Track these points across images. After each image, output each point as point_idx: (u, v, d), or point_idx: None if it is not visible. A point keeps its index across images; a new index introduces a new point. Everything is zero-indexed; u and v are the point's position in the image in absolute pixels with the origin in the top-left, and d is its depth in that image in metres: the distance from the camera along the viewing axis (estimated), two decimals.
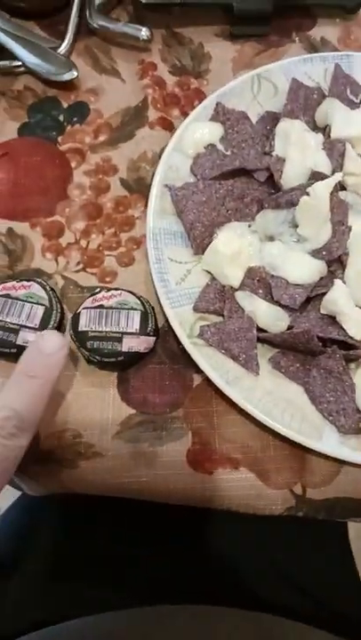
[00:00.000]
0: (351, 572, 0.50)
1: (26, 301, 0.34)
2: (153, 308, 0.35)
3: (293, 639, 0.37)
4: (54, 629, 0.36)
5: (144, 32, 0.44)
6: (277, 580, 0.44)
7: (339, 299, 0.32)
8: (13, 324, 0.33)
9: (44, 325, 0.33)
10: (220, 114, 0.39)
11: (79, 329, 0.33)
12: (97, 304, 0.34)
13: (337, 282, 0.33)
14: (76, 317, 0.34)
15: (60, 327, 0.35)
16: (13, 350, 0.33)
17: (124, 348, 0.33)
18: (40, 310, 0.34)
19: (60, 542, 0.45)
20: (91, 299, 0.34)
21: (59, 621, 0.37)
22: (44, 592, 0.42)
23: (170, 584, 0.41)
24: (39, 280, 0.35)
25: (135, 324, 0.34)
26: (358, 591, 0.48)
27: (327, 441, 0.31)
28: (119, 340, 0.33)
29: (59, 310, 0.35)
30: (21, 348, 0.32)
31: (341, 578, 0.48)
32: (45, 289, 0.35)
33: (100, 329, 0.33)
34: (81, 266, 0.38)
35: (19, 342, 0.33)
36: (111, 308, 0.34)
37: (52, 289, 0.35)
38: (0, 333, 0.33)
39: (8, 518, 0.50)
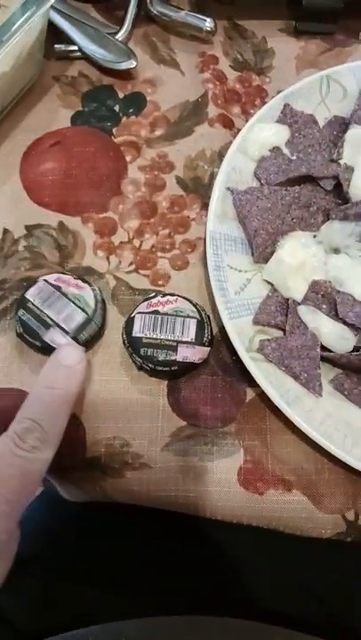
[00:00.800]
0: None
1: (71, 301, 0.33)
2: (209, 316, 0.34)
3: None
4: (78, 633, 0.36)
5: (208, 23, 0.42)
6: (295, 592, 0.43)
7: None
8: (50, 318, 0.32)
9: (76, 333, 0.32)
10: (288, 116, 0.37)
11: (133, 334, 0.32)
12: (152, 309, 0.33)
13: None
14: (130, 322, 0.32)
15: (92, 340, 0.33)
16: (37, 343, 0.32)
17: (179, 358, 0.32)
18: (80, 317, 0.32)
19: (81, 544, 0.44)
20: (145, 303, 0.33)
21: (75, 625, 0.36)
22: (60, 592, 0.41)
23: (192, 594, 0.40)
24: (94, 287, 0.34)
25: (191, 333, 0.32)
26: None
27: None
28: (174, 349, 0.32)
29: (98, 324, 0.33)
30: (45, 345, 0.32)
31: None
32: (96, 298, 0.33)
33: (155, 336, 0.32)
34: (133, 267, 0.36)
35: (45, 338, 0.32)
36: (167, 314, 0.32)
37: (102, 300, 0.34)
38: (33, 322, 0.32)
39: (32, 515, 0.49)
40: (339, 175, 0.36)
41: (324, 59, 0.44)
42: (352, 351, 0.32)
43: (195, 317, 0.33)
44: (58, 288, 0.33)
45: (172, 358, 0.32)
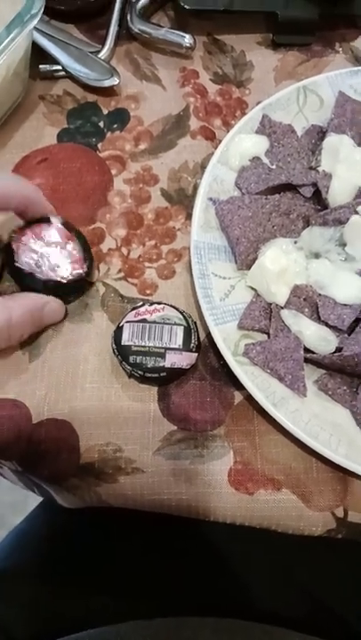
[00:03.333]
0: None
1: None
2: (195, 323, 0.35)
3: None
4: (76, 638, 0.36)
5: (187, 39, 0.43)
6: (296, 594, 0.43)
7: None
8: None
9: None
10: (267, 126, 0.39)
11: (122, 343, 0.33)
12: (140, 318, 0.34)
13: None
14: (118, 331, 0.33)
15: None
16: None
17: (168, 364, 0.33)
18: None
19: (77, 551, 0.45)
20: (133, 312, 0.34)
21: (72, 629, 0.36)
22: (60, 598, 0.42)
23: (188, 596, 0.40)
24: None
25: (178, 340, 0.33)
26: None
27: None
28: (162, 356, 0.33)
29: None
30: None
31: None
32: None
33: (143, 344, 0.33)
34: (122, 274, 0.37)
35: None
36: (154, 322, 0.33)
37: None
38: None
39: (34, 523, 0.49)
40: (317, 182, 0.37)
41: (303, 69, 0.45)
42: (334, 352, 0.33)
43: (182, 324, 0.34)
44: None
45: (161, 365, 0.33)
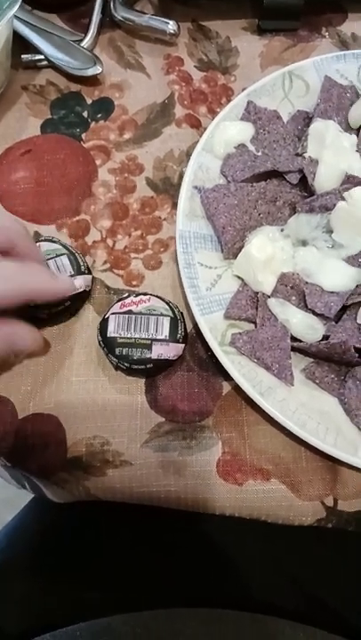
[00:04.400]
0: None
1: (48, 259, 0.34)
2: (182, 313, 0.34)
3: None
4: (67, 631, 0.36)
5: (171, 25, 0.42)
6: (286, 584, 0.43)
7: None
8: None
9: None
10: (252, 113, 0.38)
11: (108, 335, 0.33)
12: (125, 309, 0.33)
13: None
14: (104, 323, 0.33)
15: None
16: (68, 303, 0.34)
17: (154, 355, 0.32)
18: (65, 259, 0.34)
19: (67, 545, 0.45)
20: (119, 304, 0.34)
21: (63, 623, 0.36)
22: (51, 591, 0.42)
23: (178, 588, 0.40)
24: (43, 238, 0.35)
25: (165, 331, 0.33)
26: None
27: None
28: (148, 347, 0.32)
29: (79, 253, 0.35)
30: (74, 298, 0.34)
31: (355, 582, 0.48)
32: (54, 241, 0.35)
33: (129, 335, 0.33)
34: (107, 265, 0.37)
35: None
36: (140, 313, 0.33)
37: (59, 239, 0.35)
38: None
39: (25, 520, 0.49)
40: (304, 169, 0.36)
41: (289, 55, 0.45)
42: (321, 340, 0.32)
43: (168, 315, 0.33)
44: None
45: (148, 356, 0.32)
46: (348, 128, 0.39)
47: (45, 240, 0.35)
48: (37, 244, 0.34)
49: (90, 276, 0.35)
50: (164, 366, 0.34)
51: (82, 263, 0.35)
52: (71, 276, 0.34)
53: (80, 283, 0.34)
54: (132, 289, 0.36)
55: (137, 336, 0.33)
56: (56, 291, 0.32)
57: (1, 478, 0.41)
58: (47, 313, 0.34)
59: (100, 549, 0.42)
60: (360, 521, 0.33)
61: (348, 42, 0.45)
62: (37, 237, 0.37)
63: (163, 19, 0.43)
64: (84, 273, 0.34)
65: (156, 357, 0.32)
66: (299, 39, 0.45)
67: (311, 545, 0.42)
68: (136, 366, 0.33)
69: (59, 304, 0.33)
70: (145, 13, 0.43)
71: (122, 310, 0.33)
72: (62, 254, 0.34)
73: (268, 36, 0.45)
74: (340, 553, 0.43)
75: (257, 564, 0.43)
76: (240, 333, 0.33)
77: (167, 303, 0.34)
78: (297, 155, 0.37)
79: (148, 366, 0.33)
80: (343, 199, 0.34)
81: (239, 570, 0.42)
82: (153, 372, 0.34)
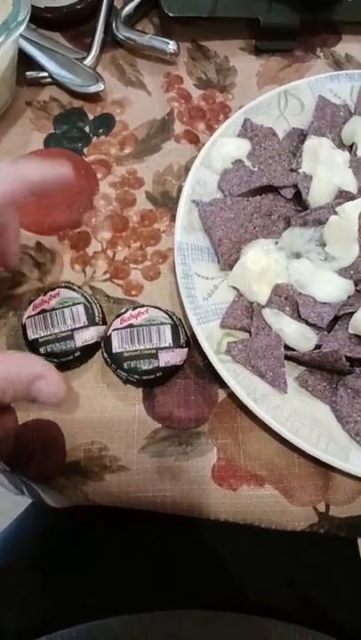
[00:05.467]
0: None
1: (63, 307, 0.34)
2: (180, 319, 0.35)
3: None
4: (63, 634, 0.37)
5: (171, 45, 0.44)
6: (281, 586, 0.44)
7: None
8: (64, 331, 0.34)
9: (91, 320, 0.34)
10: (248, 130, 0.40)
11: (113, 351, 0.33)
12: (126, 324, 0.34)
13: None
14: (107, 340, 0.34)
15: (105, 320, 0.35)
16: (78, 354, 0.34)
17: (162, 363, 0.33)
18: (81, 308, 0.34)
19: (66, 550, 0.46)
20: (118, 319, 0.34)
21: (61, 626, 0.37)
22: (48, 595, 0.42)
23: (174, 591, 0.41)
24: (64, 284, 0.35)
25: (168, 338, 0.34)
26: None
27: (354, 461, 0.32)
28: (155, 357, 0.33)
29: (97, 304, 0.35)
30: (85, 349, 0.34)
31: (348, 585, 0.49)
32: (73, 289, 0.35)
33: (134, 348, 0.33)
34: (108, 275, 0.38)
35: (79, 344, 0.33)
36: (141, 325, 0.34)
37: (79, 287, 0.35)
38: (58, 345, 0.33)
39: (23, 525, 0.50)
40: (298, 184, 0.38)
41: (285, 74, 0.46)
42: (314, 349, 0.33)
43: (168, 323, 0.34)
44: (42, 311, 0.34)
45: (155, 365, 0.33)
46: (341, 145, 0.41)
47: (65, 287, 0.35)
48: (57, 290, 0.35)
49: (103, 327, 0.34)
50: (172, 372, 0.34)
51: (97, 314, 0.34)
52: (84, 326, 0.34)
53: (92, 334, 0.34)
54: (132, 298, 0.37)
55: (142, 347, 0.33)
56: (55, 175, 0.30)
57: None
58: (57, 362, 0.34)
59: (97, 554, 0.43)
60: (352, 526, 0.34)
61: (341, 62, 0.47)
62: (39, 247, 0.38)
63: (163, 39, 0.44)
64: (97, 324, 0.34)
65: (163, 365, 0.33)
66: (294, 59, 0.47)
67: (305, 548, 0.42)
68: (146, 376, 0.33)
69: (68, 353, 0.34)
70: (146, 33, 0.45)
71: (123, 325, 0.34)
72: (79, 303, 0.34)
73: (264, 56, 0.47)
74: (334, 556, 0.43)
75: (252, 568, 0.44)
76: (235, 342, 0.34)
77: (165, 312, 0.35)
78: (292, 170, 0.39)
79: (157, 375, 0.33)
80: (336, 213, 0.36)
81: (235, 573, 0.42)
82: (162, 379, 0.34)
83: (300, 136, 0.41)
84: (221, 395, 0.35)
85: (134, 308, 0.35)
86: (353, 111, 0.42)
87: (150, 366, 0.33)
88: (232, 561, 0.44)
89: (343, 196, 0.37)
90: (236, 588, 0.42)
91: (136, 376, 0.33)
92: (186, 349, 0.34)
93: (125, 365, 0.33)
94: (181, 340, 0.34)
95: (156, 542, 0.43)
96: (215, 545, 0.43)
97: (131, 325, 0.34)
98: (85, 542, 0.44)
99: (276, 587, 0.43)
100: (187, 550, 0.43)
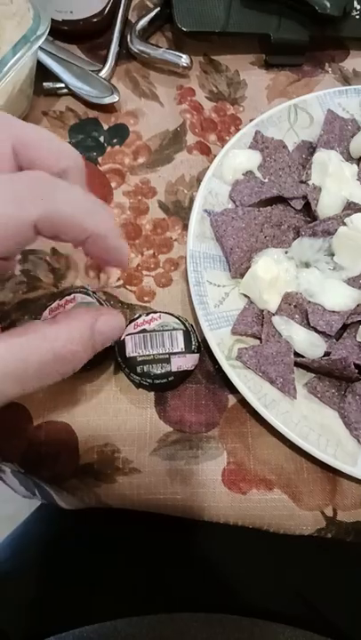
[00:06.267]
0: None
1: (163, 331, 0.35)
2: (192, 325, 0.36)
3: None
4: (73, 633, 0.37)
5: (184, 59, 0.45)
6: (288, 593, 0.44)
7: None
8: (161, 354, 0.34)
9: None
10: (259, 142, 0.41)
11: (127, 355, 0.34)
12: (139, 329, 0.35)
13: None
14: (121, 345, 0.35)
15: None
16: (171, 378, 0.34)
17: (174, 368, 0.34)
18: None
19: (74, 552, 0.46)
20: (132, 325, 0.35)
21: (67, 628, 0.37)
22: (56, 597, 0.42)
23: (181, 596, 0.41)
24: (78, 289, 0.36)
25: (180, 344, 0.34)
26: None
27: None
28: (167, 361, 0.34)
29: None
30: (178, 374, 0.34)
31: (355, 593, 0.49)
32: (88, 294, 0.36)
33: (148, 352, 0.34)
34: (121, 282, 0.39)
35: (174, 369, 0.34)
36: (154, 330, 0.35)
37: (93, 292, 0.36)
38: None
39: (31, 528, 0.50)
40: (308, 195, 0.39)
41: (294, 88, 0.47)
42: (323, 356, 0.34)
43: (180, 328, 0.35)
44: (143, 331, 0.35)
45: (168, 370, 0.34)
46: (349, 158, 0.42)
47: (81, 292, 0.35)
48: (72, 295, 0.35)
49: (197, 355, 0.35)
50: (184, 377, 0.35)
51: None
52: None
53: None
54: (144, 304, 0.38)
55: (155, 352, 0.34)
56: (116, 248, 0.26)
57: (5, 493, 0.42)
58: (150, 382, 0.34)
59: (104, 556, 0.43)
60: (358, 531, 0.35)
61: (349, 77, 0.48)
62: (54, 252, 0.39)
63: (176, 52, 0.45)
64: (193, 352, 0.34)
65: (176, 370, 0.34)
66: (303, 74, 0.48)
67: (313, 555, 0.43)
68: (158, 381, 0.34)
69: (162, 377, 0.34)
70: (159, 47, 0.46)
71: (136, 330, 0.35)
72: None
73: (274, 70, 0.48)
74: (341, 563, 0.44)
75: (260, 574, 0.44)
76: (246, 348, 0.35)
77: (177, 318, 0.36)
78: (301, 182, 0.40)
79: (169, 379, 0.34)
80: (344, 224, 0.37)
81: (242, 578, 0.43)
82: (174, 384, 0.35)
83: (310, 149, 0.42)
84: (232, 400, 0.36)
85: (147, 314, 0.35)
86: (359, 125, 0.43)
87: (163, 371, 0.34)
88: (239, 566, 0.44)
89: (351, 208, 0.38)
90: (242, 594, 0.43)
91: (149, 380, 0.34)
92: (197, 355, 0.35)
93: (138, 370, 0.34)
94: (193, 346, 0.35)
95: (163, 546, 0.43)
96: (223, 550, 0.43)
97: (144, 330, 0.35)
98: (92, 545, 0.44)
99: (283, 593, 0.44)
100: (194, 555, 0.43)
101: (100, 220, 0.25)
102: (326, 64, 0.49)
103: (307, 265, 0.37)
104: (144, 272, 0.39)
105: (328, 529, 0.34)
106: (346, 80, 0.48)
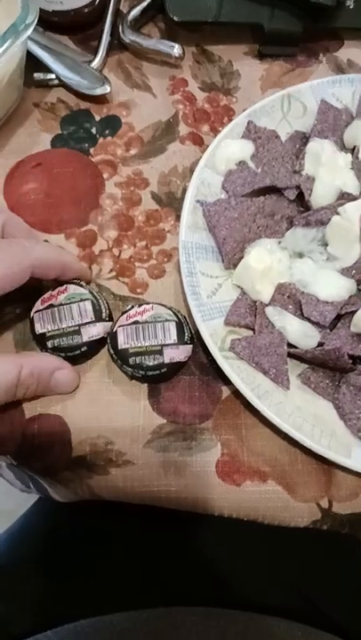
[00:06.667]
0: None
1: (71, 303, 0.35)
2: (185, 317, 0.36)
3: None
4: (69, 627, 0.37)
5: (177, 49, 0.45)
6: (283, 586, 0.44)
7: None
8: (71, 326, 0.34)
9: (98, 316, 0.35)
10: (252, 132, 0.40)
11: (119, 347, 0.34)
12: (131, 320, 0.34)
13: None
14: (113, 336, 0.34)
15: (111, 317, 0.36)
16: (84, 349, 0.34)
17: (166, 360, 0.34)
18: (88, 304, 0.35)
19: (72, 546, 0.46)
20: (124, 316, 0.35)
21: (65, 621, 0.37)
22: (53, 590, 0.42)
23: (178, 588, 0.41)
24: (72, 281, 0.36)
25: (173, 335, 0.34)
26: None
27: (356, 457, 0.32)
28: (160, 353, 0.34)
29: (104, 301, 0.36)
30: (91, 344, 0.34)
31: (350, 585, 0.49)
32: (82, 285, 0.35)
33: (140, 344, 0.34)
34: (113, 274, 0.39)
35: (85, 339, 0.34)
36: (146, 322, 0.34)
37: (86, 283, 0.36)
38: (65, 340, 0.34)
39: (29, 522, 0.50)
40: (301, 185, 0.38)
41: (287, 79, 0.47)
42: (316, 347, 0.34)
43: (173, 320, 0.35)
44: (50, 306, 0.35)
45: (160, 361, 0.34)
46: (342, 148, 0.42)
47: (73, 283, 0.35)
48: (64, 286, 0.35)
49: (109, 323, 0.35)
50: (176, 369, 0.35)
51: (104, 310, 0.35)
52: (91, 322, 0.34)
53: (99, 330, 0.34)
54: (137, 296, 0.38)
55: (147, 344, 0.34)
56: (80, 269, 0.36)
57: (4, 487, 0.42)
58: (64, 356, 0.34)
59: (102, 550, 0.43)
60: (353, 523, 0.35)
61: (343, 67, 0.48)
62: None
63: (169, 42, 0.45)
64: (104, 320, 0.35)
65: (168, 361, 0.34)
66: (297, 64, 0.48)
67: (308, 547, 0.43)
68: (151, 372, 0.34)
69: (75, 348, 0.34)
70: (151, 37, 0.46)
71: (128, 322, 0.35)
72: (86, 299, 0.35)
73: (268, 60, 0.48)
74: (337, 556, 0.44)
75: (255, 567, 0.44)
76: (239, 339, 0.34)
77: (170, 309, 0.36)
78: (295, 172, 0.39)
79: (162, 371, 0.34)
80: (338, 214, 0.36)
81: (237, 573, 0.43)
82: (167, 375, 0.35)
83: (303, 139, 0.41)
84: (225, 391, 0.36)
85: (140, 305, 0.35)
86: (354, 115, 0.43)
87: (155, 362, 0.34)
88: (235, 559, 0.44)
89: (345, 198, 0.38)
90: (238, 587, 0.43)
91: (141, 372, 0.34)
92: (190, 346, 0.35)
93: (131, 361, 0.34)
94: (186, 337, 0.34)
95: (159, 539, 0.43)
96: (219, 543, 0.43)
97: (136, 322, 0.34)
98: (89, 539, 0.44)
99: (279, 586, 0.44)
100: (190, 547, 0.43)
101: (65, 254, 0.37)
102: (320, 54, 0.48)
103: (300, 255, 0.37)
104: (137, 264, 0.39)
105: (323, 521, 0.34)
106: (340, 70, 0.48)
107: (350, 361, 0.33)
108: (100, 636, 0.35)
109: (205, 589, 0.41)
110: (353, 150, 0.41)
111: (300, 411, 0.33)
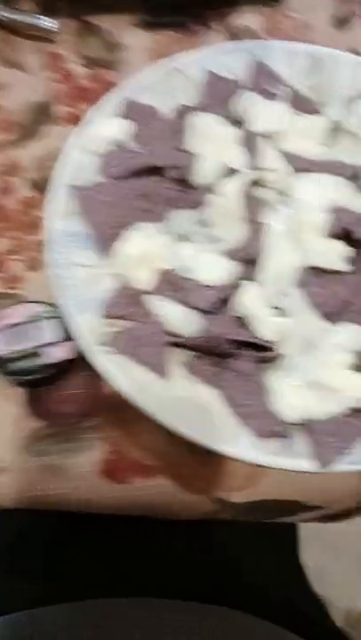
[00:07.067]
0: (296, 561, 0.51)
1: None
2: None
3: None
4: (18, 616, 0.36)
5: (54, 23, 0.41)
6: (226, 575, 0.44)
7: (247, 300, 0.31)
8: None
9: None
10: (129, 109, 0.38)
11: None
12: (4, 323, 0.32)
13: (245, 284, 0.32)
14: None
15: None
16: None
17: (52, 360, 0.31)
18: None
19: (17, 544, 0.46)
20: None
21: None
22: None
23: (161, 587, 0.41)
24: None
25: (55, 333, 0.32)
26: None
27: (243, 446, 0.31)
28: (43, 354, 0.31)
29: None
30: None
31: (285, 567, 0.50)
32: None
33: (19, 348, 0.31)
34: None
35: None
36: (23, 323, 0.32)
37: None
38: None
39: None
40: (182, 163, 0.36)
41: (178, 49, 0.44)
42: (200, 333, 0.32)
43: (52, 316, 0.33)
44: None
45: (45, 362, 0.31)
46: (233, 122, 0.40)
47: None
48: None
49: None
50: (66, 367, 0.32)
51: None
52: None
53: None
54: (14, 292, 0.36)
55: (28, 346, 0.31)
56: None
57: None
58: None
59: (92, 551, 0.43)
60: (253, 511, 0.34)
61: (239, 35, 0.45)
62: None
63: (45, 17, 0.42)
64: (70, 339, 0.32)
65: (55, 361, 0.31)
66: (189, 33, 0.45)
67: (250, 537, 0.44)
68: (38, 375, 0.31)
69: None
70: (26, 11, 0.42)
71: (1, 326, 0.32)
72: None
73: (156, 30, 0.45)
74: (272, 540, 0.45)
75: (192, 556, 0.44)
76: (119, 332, 0.32)
77: (49, 304, 0.33)
78: (178, 150, 0.37)
79: (50, 372, 0.32)
80: (220, 194, 0.34)
81: (175, 562, 0.43)
82: (57, 376, 0.32)
83: (188, 114, 0.39)
84: (108, 387, 0.34)
85: (11, 306, 0.33)
86: (244, 85, 0.41)
87: (40, 364, 0.31)
88: (171, 550, 0.45)
89: (229, 175, 0.36)
90: (177, 578, 0.43)
91: (26, 377, 0.31)
92: (73, 342, 0.33)
93: (10, 368, 0.31)
94: (68, 334, 0.32)
95: (137, 541, 0.43)
96: (156, 535, 0.43)
97: (10, 325, 0.32)
98: (46, 543, 0.44)
99: (215, 572, 0.44)
100: (147, 546, 0.43)
101: None
102: (214, 22, 0.46)
103: (183, 239, 0.35)
104: (12, 256, 0.36)
105: (220, 511, 0.33)
106: (235, 38, 0.45)
107: (233, 347, 0.32)
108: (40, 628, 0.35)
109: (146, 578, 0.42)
110: (240, 124, 0.39)
111: (184, 401, 0.32)
